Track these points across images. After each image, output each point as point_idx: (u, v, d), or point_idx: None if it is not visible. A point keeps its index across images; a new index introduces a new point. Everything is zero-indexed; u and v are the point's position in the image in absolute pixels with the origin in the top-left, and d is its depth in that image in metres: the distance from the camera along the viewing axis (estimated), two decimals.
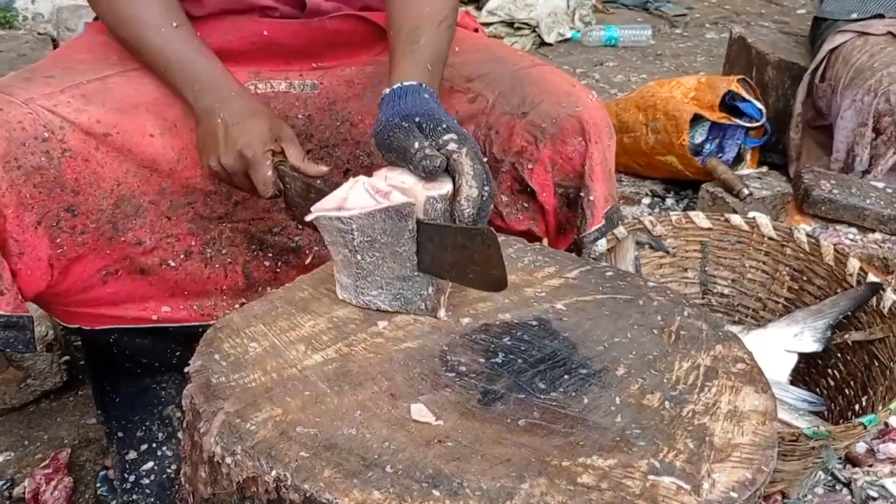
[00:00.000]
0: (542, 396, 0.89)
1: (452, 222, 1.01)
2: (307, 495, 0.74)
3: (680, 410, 0.89)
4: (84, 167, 1.22)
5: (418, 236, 0.99)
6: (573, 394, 0.90)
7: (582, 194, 1.30)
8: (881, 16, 2.43)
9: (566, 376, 0.93)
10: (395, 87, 1.12)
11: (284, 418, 0.82)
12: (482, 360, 0.94)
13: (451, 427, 0.84)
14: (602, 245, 1.32)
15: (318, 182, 1.18)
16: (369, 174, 1.38)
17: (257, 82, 1.37)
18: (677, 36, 4.57)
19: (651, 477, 0.79)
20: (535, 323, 1.02)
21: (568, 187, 1.32)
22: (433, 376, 0.91)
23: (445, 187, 1.00)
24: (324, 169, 1.19)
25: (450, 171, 1.01)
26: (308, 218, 1.02)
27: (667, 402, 0.90)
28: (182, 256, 1.36)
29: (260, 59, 1.37)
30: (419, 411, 0.85)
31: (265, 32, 1.34)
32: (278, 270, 1.44)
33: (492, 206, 1.04)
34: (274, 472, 0.76)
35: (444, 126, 1.04)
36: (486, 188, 1.01)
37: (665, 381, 0.94)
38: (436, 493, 0.75)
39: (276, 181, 1.19)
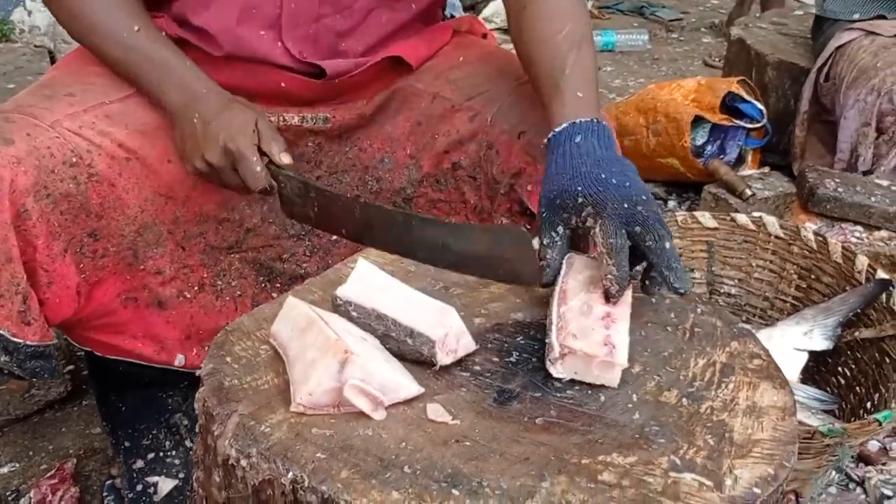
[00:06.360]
0: (558, 395, 0.88)
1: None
2: (325, 497, 0.73)
3: (698, 407, 0.88)
4: (110, 192, 1.22)
5: (440, 235, 1.00)
6: (589, 391, 0.89)
7: None
8: (883, 17, 2.43)
9: None
10: (549, 137, 1.06)
11: (299, 420, 0.81)
12: (496, 360, 0.93)
13: (467, 426, 0.82)
14: None
15: (315, 182, 1.17)
16: (378, 199, 1.39)
17: (269, 114, 1.33)
18: (674, 41, 4.58)
19: (672, 474, 0.78)
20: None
21: None
22: (448, 376, 0.90)
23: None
24: (288, 160, 1.19)
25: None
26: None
27: (684, 399, 0.89)
28: (196, 288, 1.35)
29: (273, 102, 1.34)
30: (435, 411, 0.83)
31: (282, 84, 1.32)
32: None
33: (676, 260, 0.96)
34: (290, 474, 0.75)
35: (582, 198, 0.98)
36: (622, 263, 0.95)
37: (681, 378, 0.93)
38: (455, 492, 0.74)
39: (266, 175, 1.18)
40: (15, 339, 1.14)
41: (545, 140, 1.07)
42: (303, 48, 1.30)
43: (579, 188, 0.98)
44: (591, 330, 0.92)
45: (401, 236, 1.08)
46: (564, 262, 1.01)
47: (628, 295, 0.98)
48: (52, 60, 3.53)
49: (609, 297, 0.95)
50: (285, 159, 1.19)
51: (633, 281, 0.99)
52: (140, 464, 1.44)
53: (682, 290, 0.96)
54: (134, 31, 1.22)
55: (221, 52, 1.28)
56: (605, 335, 0.91)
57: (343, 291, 0.94)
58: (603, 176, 0.99)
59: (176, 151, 1.24)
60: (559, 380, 0.90)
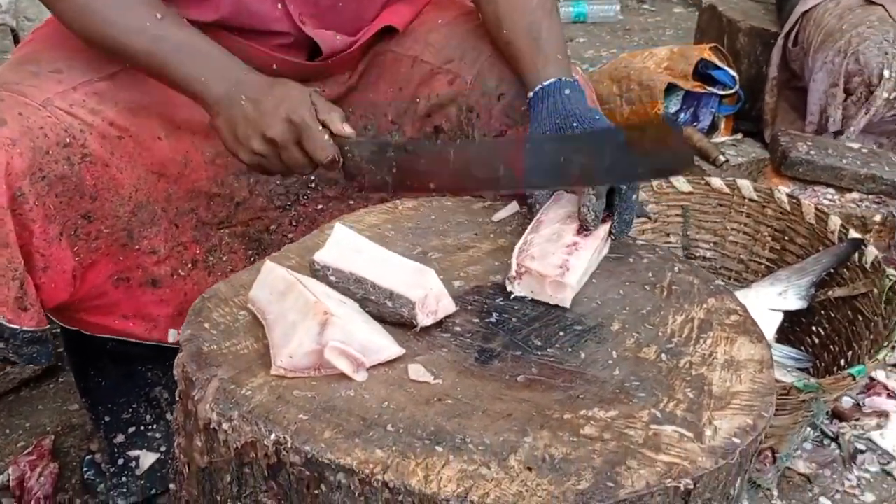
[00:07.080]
0: (538, 353, 0.89)
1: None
2: (308, 457, 0.73)
3: (677, 362, 0.89)
4: (103, 172, 1.19)
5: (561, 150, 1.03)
6: (570, 349, 0.90)
7: None
8: None
9: (561, 333, 0.92)
10: (536, 90, 1.14)
11: (280, 383, 0.81)
12: (476, 321, 0.93)
13: (449, 385, 0.83)
14: None
15: (393, 139, 1.14)
16: None
17: None
18: (645, 11, 4.56)
19: (653, 426, 0.79)
20: None
21: None
22: (429, 337, 0.90)
23: None
24: (350, 130, 1.13)
25: None
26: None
27: (663, 355, 0.90)
28: (189, 265, 1.34)
29: None
30: (416, 371, 0.84)
31: (274, 67, 1.26)
32: None
33: (632, 212, 1.07)
34: (273, 436, 0.75)
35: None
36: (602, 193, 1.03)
37: (660, 334, 0.94)
38: (439, 448, 0.74)
39: (333, 145, 1.11)
40: (11, 326, 1.12)
41: (531, 93, 1.14)
42: (303, 10, 1.26)
43: (575, 124, 1.08)
44: (552, 254, 0.98)
45: (510, 165, 1.05)
46: (552, 197, 1.09)
47: (602, 230, 1.04)
48: (16, 39, 3.46)
49: (584, 227, 1.03)
50: (347, 129, 1.13)
51: (607, 220, 1.06)
52: (121, 438, 1.42)
53: (614, 236, 1.07)
54: (157, 20, 1.12)
55: (216, 16, 1.22)
56: (564, 259, 0.97)
57: (321, 256, 0.93)
58: (597, 117, 1.09)
59: (224, 142, 1.15)
60: (539, 339, 0.91)
